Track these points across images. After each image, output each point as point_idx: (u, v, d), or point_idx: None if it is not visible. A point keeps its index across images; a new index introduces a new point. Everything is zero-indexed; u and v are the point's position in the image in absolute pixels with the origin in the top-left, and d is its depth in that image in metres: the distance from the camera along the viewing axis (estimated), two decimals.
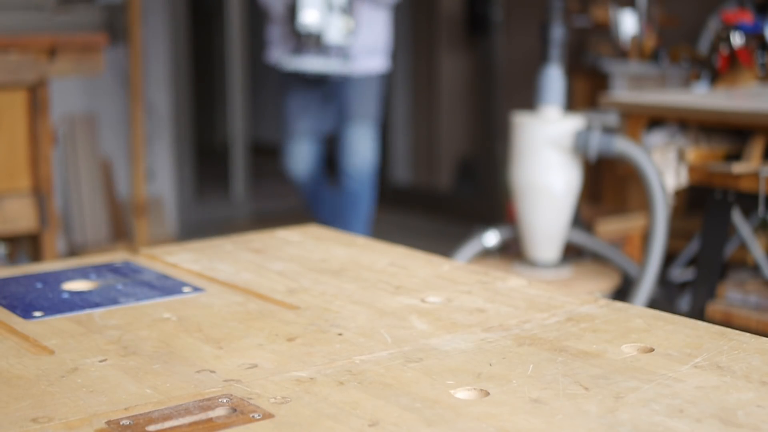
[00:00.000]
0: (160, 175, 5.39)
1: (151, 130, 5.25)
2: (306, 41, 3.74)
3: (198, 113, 6.37)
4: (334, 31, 3.69)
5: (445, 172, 6.31)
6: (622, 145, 2.80)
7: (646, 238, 2.98)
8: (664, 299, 3.05)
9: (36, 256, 2.79)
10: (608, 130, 3.00)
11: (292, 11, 3.72)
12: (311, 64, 3.78)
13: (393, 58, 6.22)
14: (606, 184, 4.24)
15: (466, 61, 6.15)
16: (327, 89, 3.96)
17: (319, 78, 3.88)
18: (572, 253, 3.26)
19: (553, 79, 3.06)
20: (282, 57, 3.85)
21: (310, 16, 3.66)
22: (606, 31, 4.80)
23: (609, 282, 3.03)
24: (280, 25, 3.87)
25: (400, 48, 6.26)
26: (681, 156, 2.73)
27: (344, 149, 3.98)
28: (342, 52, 3.76)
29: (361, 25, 3.82)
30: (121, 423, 0.86)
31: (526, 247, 3.07)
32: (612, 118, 3.56)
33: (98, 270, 1.43)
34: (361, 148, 3.96)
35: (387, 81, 4.05)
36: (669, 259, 3.33)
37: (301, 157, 4.02)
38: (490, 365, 1.00)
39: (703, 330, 1.10)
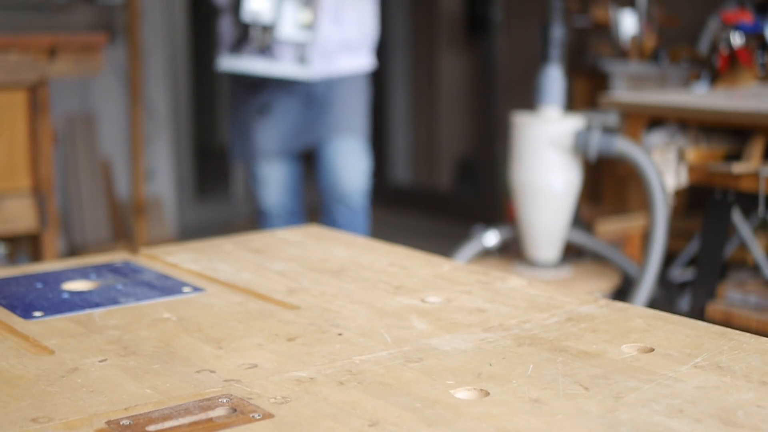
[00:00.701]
0: (159, 176, 5.38)
1: (150, 130, 5.25)
2: (254, 35, 3.09)
3: (198, 113, 6.37)
4: (288, 24, 3.05)
5: (445, 172, 6.31)
6: (622, 145, 2.80)
7: (646, 238, 2.98)
8: (664, 299, 3.05)
9: (36, 256, 2.79)
10: (608, 130, 3.00)
11: None
12: (256, 65, 3.12)
13: (392, 59, 6.26)
14: (606, 184, 4.24)
15: (466, 61, 6.15)
16: (302, 93, 3.25)
17: (283, 81, 3.17)
18: (572, 253, 3.26)
19: (553, 79, 3.06)
20: (222, 56, 3.17)
21: (258, 3, 3.05)
22: (606, 31, 4.80)
23: (609, 282, 3.03)
24: (228, 14, 3.23)
25: (399, 48, 6.27)
26: (681, 156, 2.73)
27: (331, 170, 3.25)
28: (298, 51, 3.12)
29: (336, 19, 3.19)
30: (121, 423, 0.86)
31: (526, 247, 3.07)
32: (612, 118, 3.56)
33: (98, 270, 1.43)
34: (352, 168, 3.25)
35: (373, 81, 3.45)
36: (669, 259, 3.33)
37: (276, 183, 3.34)
38: (490, 365, 1.00)
39: (703, 330, 1.10)
